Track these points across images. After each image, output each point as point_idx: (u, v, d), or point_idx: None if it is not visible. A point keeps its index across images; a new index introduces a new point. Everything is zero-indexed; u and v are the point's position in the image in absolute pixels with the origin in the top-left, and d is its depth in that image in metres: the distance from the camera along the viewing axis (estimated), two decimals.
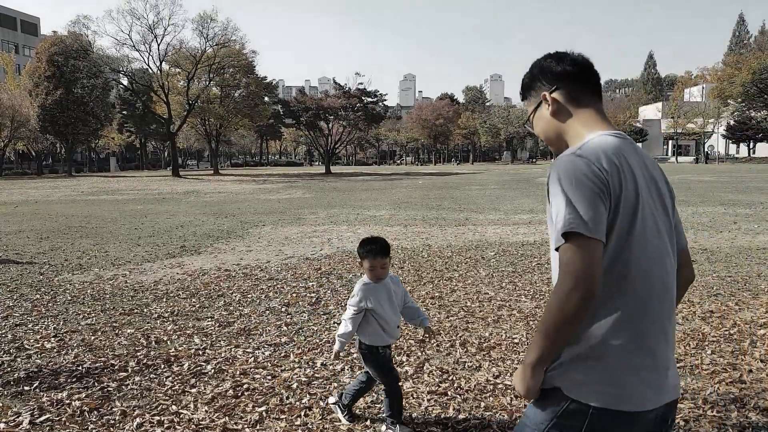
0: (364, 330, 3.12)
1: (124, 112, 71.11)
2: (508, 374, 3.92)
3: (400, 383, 3.23)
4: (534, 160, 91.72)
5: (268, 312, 5.61)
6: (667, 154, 74.89)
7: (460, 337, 4.74)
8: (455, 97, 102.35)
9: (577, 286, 1.41)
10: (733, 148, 69.76)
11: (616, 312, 1.51)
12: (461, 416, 3.30)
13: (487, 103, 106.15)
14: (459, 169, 54.46)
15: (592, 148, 1.54)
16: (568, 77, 1.68)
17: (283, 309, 5.72)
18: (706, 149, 66.70)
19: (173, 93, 47.00)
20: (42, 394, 3.71)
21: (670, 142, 74.68)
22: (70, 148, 55.59)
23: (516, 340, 4.62)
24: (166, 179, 39.24)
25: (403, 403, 3.48)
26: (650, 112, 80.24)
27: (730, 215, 13.30)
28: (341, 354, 3.26)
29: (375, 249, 3.05)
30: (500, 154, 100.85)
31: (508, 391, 3.64)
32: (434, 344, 4.56)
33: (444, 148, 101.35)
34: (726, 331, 4.77)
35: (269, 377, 3.96)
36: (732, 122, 62.29)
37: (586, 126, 1.66)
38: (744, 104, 59.10)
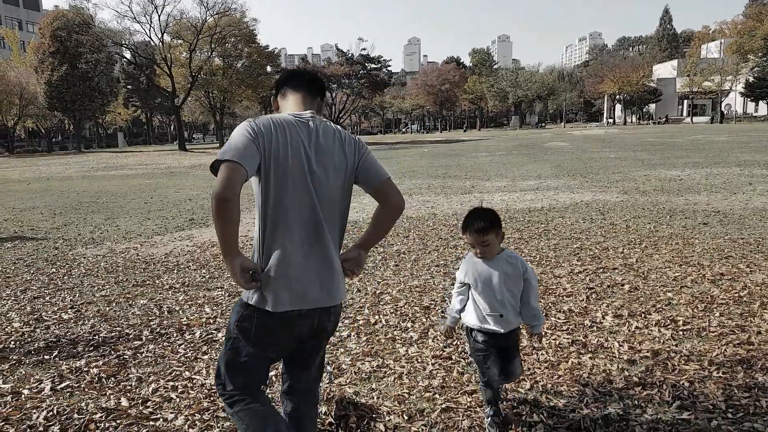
0: (467, 308, 2.84)
1: (129, 87, 70.92)
2: None
3: (499, 386, 2.86)
4: (543, 124, 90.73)
5: None
6: (681, 115, 73.40)
7: None
8: (462, 61, 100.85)
9: (216, 194, 1.90)
10: (751, 106, 67.36)
11: (272, 238, 2.09)
12: (465, 378, 3.41)
13: (495, 66, 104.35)
14: (466, 136, 54.16)
15: (266, 117, 2.13)
16: (282, 83, 2.41)
17: None
18: (722, 108, 64.92)
19: (176, 65, 46.76)
20: (61, 362, 3.86)
21: (685, 101, 72.90)
22: (77, 124, 55.71)
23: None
24: (173, 153, 39.33)
25: (410, 367, 3.60)
26: (665, 70, 78.17)
27: (746, 176, 13.20)
28: (450, 332, 3.00)
29: (471, 223, 2.67)
30: (508, 119, 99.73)
31: None
32: (439, 311, 4.67)
33: (450, 114, 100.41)
34: (736, 293, 4.81)
35: None
36: (751, 79, 60.02)
37: (285, 109, 2.34)
38: (765, 59, 57.24)
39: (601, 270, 5.70)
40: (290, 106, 2.31)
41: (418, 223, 8.75)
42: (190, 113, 69.74)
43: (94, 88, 51.54)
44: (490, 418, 2.81)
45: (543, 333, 2.65)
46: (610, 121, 78.53)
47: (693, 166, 16.06)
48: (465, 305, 2.82)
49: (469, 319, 2.80)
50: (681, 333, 4.01)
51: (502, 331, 2.72)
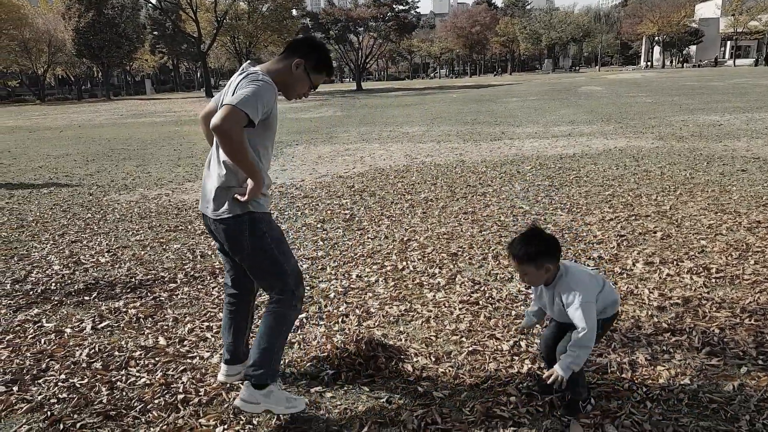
0: None
1: (155, 33, 70.52)
2: None
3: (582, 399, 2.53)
4: (577, 67, 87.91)
5: (304, 228, 5.80)
6: (723, 57, 70.13)
7: (493, 250, 4.84)
8: (493, 2, 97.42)
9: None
10: None
11: None
12: (492, 322, 3.45)
13: (528, 7, 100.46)
14: (496, 81, 52.89)
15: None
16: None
17: (318, 225, 5.90)
18: None
19: (201, 10, 46.22)
20: (101, 303, 4.01)
21: (728, 43, 69.45)
22: (106, 71, 55.96)
23: None
24: (201, 100, 39.38)
25: (437, 311, 3.65)
26: (708, 10, 73.93)
27: None
28: (524, 331, 2.98)
29: (512, 246, 2.40)
30: (541, 63, 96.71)
31: None
32: (467, 257, 4.68)
33: (480, 58, 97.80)
34: None
35: (308, 287, 4.16)
36: None
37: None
38: None
39: (633, 217, 5.61)
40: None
41: (446, 171, 8.68)
42: (216, 59, 69.32)
43: (120, 35, 51.44)
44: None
45: (558, 378, 2.29)
46: (648, 64, 75.67)
47: (733, 110, 15.47)
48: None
49: None
50: (713, 281, 3.95)
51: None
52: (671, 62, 74.32)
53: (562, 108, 19.48)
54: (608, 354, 3.00)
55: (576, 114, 16.95)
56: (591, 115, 16.41)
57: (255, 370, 2.44)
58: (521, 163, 9.03)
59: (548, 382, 2.33)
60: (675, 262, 4.33)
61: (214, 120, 2.15)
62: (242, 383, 2.52)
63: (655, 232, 5.09)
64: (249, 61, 2.56)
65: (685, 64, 69.70)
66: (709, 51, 70.66)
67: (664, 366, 2.87)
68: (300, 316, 3.61)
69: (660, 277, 4.05)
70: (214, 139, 2.44)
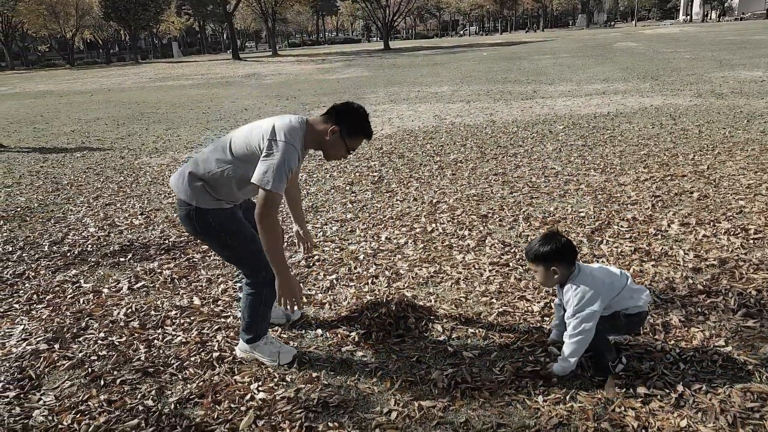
0: None
1: None
2: None
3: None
4: (612, 23, 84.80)
5: (333, 190, 5.81)
6: None
7: (524, 212, 4.78)
8: None
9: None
10: None
11: None
12: (522, 284, 3.43)
13: None
14: (528, 38, 51.45)
15: None
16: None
17: (347, 187, 5.89)
18: None
19: None
20: (136, 264, 4.10)
21: None
22: (133, 34, 56.08)
23: (582, 214, 4.61)
24: (227, 63, 39.31)
25: (466, 273, 3.64)
26: None
27: None
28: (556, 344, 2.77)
29: (529, 244, 2.52)
30: (574, 18, 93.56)
31: None
32: (497, 219, 4.64)
33: (512, 14, 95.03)
34: None
35: (338, 250, 4.19)
36: None
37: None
38: None
39: (669, 177, 5.47)
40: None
41: (475, 131, 8.55)
42: (242, 20, 68.83)
43: None
44: None
45: (551, 372, 2.49)
46: (687, 18, 72.61)
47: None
48: None
49: None
50: (751, 242, 3.85)
51: None
52: (709, 16, 71.05)
53: (595, 65, 18.92)
54: None
55: (611, 71, 16.46)
56: (626, 72, 15.91)
57: (245, 334, 2.73)
58: (553, 122, 8.84)
59: (545, 374, 2.51)
60: (712, 223, 4.22)
61: (258, 212, 2.32)
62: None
63: (691, 193, 4.96)
64: (299, 118, 2.56)
65: (722, 18, 66.57)
66: (754, 2, 67.23)
67: (698, 328, 2.82)
68: (330, 278, 3.65)
69: (696, 239, 3.96)
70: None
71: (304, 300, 2.55)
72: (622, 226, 4.27)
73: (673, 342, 2.72)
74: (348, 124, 2.53)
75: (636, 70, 16.11)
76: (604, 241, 4.02)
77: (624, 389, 2.38)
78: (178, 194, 2.57)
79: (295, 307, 2.49)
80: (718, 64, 16.53)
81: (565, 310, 2.50)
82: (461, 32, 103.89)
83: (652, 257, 3.70)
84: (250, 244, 2.55)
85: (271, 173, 2.29)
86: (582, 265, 2.50)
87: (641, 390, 2.37)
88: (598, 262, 3.66)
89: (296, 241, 3.20)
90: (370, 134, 2.60)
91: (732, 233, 4.00)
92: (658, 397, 2.33)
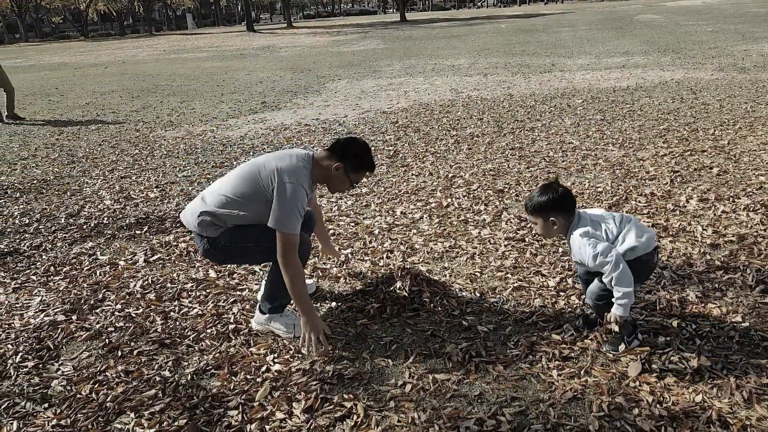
0: None
1: None
2: None
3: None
4: None
5: None
6: None
7: None
8: None
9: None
10: None
11: None
12: (538, 259, 3.41)
13: None
14: (546, 9, 50.48)
15: None
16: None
17: None
18: None
19: None
20: (152, 236, 4.14)
21: None
22: (147, 5, 55.87)
23: (600, 189, 4.55)
24: (242, 35, 39.06)
25: (482, 248, 3.62)
26: None
27: None
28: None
29: (528, 196, 2.50)
30: None
31: None
32: (513, 194, 4.60)
33: None
34: None
35: (353, 224, 4.19)
36: None
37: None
38: None
39: (689, 152, 5.38)
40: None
41: (492, 105, 8.45)
42: None
43: None
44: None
45: (616, 320, 2.31)
46: None
47: None
48: None
49: None
50: None
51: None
52: None
53: (615, 38, 18.53)
54: (657, 291, 2.94)
55: (631, 44, 16.12)
56: (647, 45, 15.57)
57: (267, 303, 2.76)
58: (572, 96, 8.71)
59: (612, 329, 2.35)
60: (731, 199, 4.16)
61: (280, 258, 2.49)
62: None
63: (711, 168, 4.87)
64: (302, 152, 2.68)
65: None
66: None
67: (715, 304, 2.79)
68: (345, 252, 3.65)
69: (714, 214, 3.91)
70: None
71: (329, 346, 2.58)
72: (639, 202, 4.22)
73: (689, 318, 2.70)
74: (352, 160, 2.64)
75: (657, 43, 15.76)
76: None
77: (640, 363, 2.37)
78: (192, 229, 2.72)
79: (312, 350, 2.54)
80: (741, 37, 16.10)
81: (580, 265, 2.43)
82: (479, 4, 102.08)
83: (670, 233, 3.66)
84: (266, 235, 2.56)
85: (285, 217, 2.46)
86: (581, 212, 2.47)
87: (656, 365, 2.36)
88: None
89: (323, 254, 3.35)
90: (373, 168, 2.73)
91: (751, 209, 3.94)
92: (674, 372, 2.31)
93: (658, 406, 2.13)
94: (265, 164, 2.59)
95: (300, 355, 2.59)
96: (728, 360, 2.37)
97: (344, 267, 3.47)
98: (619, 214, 2.48)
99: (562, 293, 3.00)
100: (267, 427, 2.15)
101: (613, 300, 2.32)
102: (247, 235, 2.64)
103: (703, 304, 2.80)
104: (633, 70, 11.00)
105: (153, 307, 3.10)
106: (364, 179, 4.46)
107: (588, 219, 2.43)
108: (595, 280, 2.46)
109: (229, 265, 3.42)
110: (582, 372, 2.35)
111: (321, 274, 3.39)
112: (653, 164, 5.09)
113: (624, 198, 4.32)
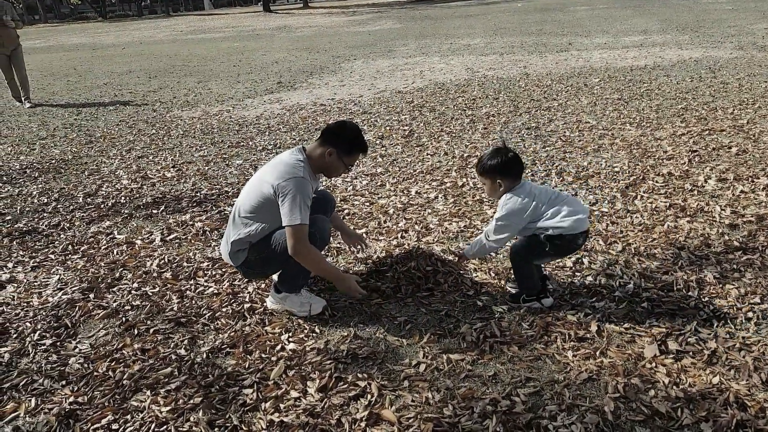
0: None
1: None
2: (606, 201, 3.90)
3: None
4: None
5: None
6: None
7: (557, 166, 4.69)
8: None
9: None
10: None
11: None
12: None
13: None
14: None
15: None
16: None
17: (377, 141, 5.84)
18: None
19: None
20: (168, 216, 4.17)
21: None
22: None
23: (616, 169, 4.50)
24: (258, 15, 38.85)
25: None
26: None
27: None
28: None
29: (479, 158, 2.67)
30: None
31: (604, 217, 3.65)
32: (529, 174, 4.56)
33: None
34: None
35: (367, 204, 4.18)
36: None
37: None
38: None
39: (707, 132, 5.28)
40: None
41: (508, 85, 8.35)
42: None
43: None
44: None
45: (461, 255, 2.93)
46: None
47: None
48: None
49: None
50: None
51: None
52: None
53: (634, 17, 18.16)
54: (674, 272, 2.91)
55: (649, 23, 15.79)
56: (665, 23, 15.24)
57: (280, 283, 2.77)
58: (589, 75, 8.57)
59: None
60: (750, 179, 4.09)
61: (291, 250, 2.50)
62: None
63: (729, 147, 4.79)
64: (298, 148, 2.72)
65: None
66: None
67: (733, 285, 2.76)
68: (359, 232, 3.65)
69: (733, 194, 3.84)
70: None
71: (363, 291, 2.72)
72: (657, 182, 4.16)
73: (707, 299, 2.67)
74: (343, 144, 2.67)
75: (675, 22, 15.43)
76: (639, 197, 3.92)
77: (656, 343, 2.35)
78: (231, 263, 2.81)
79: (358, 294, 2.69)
80: (761, 14, 15.69)
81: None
82: None
83: (688, 213, 3.61)
84: (284, 234, 2.56)
85: (290, 211, 2.47)
86: (528, 182, 2.61)
87: (673, 346, 2.34)
88: (630, 216, 3.58)
89: (348, 246, 3.29)
90: (365, 149, 2.77)
91: None
92: (690, 353, 2.30)
93: (674, 387, 2.12)
94: (264, 174, 2.65)
95: (314, 334, 2.61)
96: (746, 342, 2.35)
97: (359, 247, 3.47)
98: (565, 194, 2.61)
99: (578, 273, 2.98)
100: (281, 405, 2.17)
101: (483, 239, 2.65)
102: (269, 242, 2.65)
103: (721, 285, 2.77)
104: (651, 49, 10.79)
105: (169, 285, 3.14)
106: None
107: (528, 189, 2.55)
108: (519, 237, 2.67)
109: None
110: (597, 353, 2.34)
111: (335, 254, 3.40)
112: (671, 144, 5.01)
113: (641, 178, 4.26)
